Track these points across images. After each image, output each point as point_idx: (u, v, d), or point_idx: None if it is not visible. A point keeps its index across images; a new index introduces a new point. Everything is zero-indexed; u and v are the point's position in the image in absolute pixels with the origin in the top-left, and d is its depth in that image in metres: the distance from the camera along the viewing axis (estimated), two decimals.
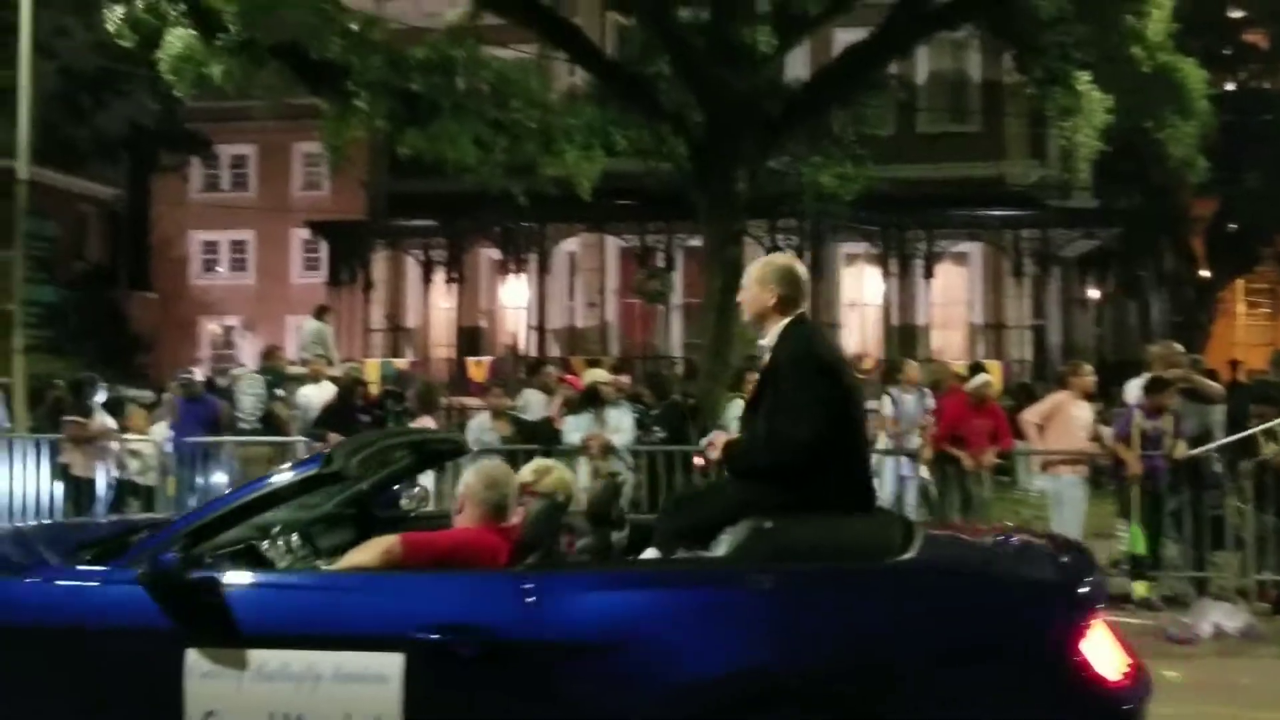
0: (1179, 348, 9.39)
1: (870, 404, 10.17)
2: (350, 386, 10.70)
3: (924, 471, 9.33)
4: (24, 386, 13.98)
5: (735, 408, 9.54)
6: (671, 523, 3.93)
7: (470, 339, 24.61)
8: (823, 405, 3.71)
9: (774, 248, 21.97)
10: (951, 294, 23.41)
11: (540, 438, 9.27)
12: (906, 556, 3.55)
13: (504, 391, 10.40)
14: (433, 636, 3.35)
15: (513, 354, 23.22)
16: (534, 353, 22.08)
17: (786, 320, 3.98)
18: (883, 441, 9.62)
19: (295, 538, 4.21)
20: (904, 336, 22.07)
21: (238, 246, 31.28)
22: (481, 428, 9.50)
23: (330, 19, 12.64)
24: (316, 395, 11.06)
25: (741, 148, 15.50)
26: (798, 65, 20.40)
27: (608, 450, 8.99)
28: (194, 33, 12.12)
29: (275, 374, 13.02)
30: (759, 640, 3.33)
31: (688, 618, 3.37)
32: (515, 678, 3.38)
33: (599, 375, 9.70)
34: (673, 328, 23.34)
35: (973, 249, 23.16)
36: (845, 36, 17.37)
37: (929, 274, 22.35)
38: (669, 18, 14.54)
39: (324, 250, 25.99)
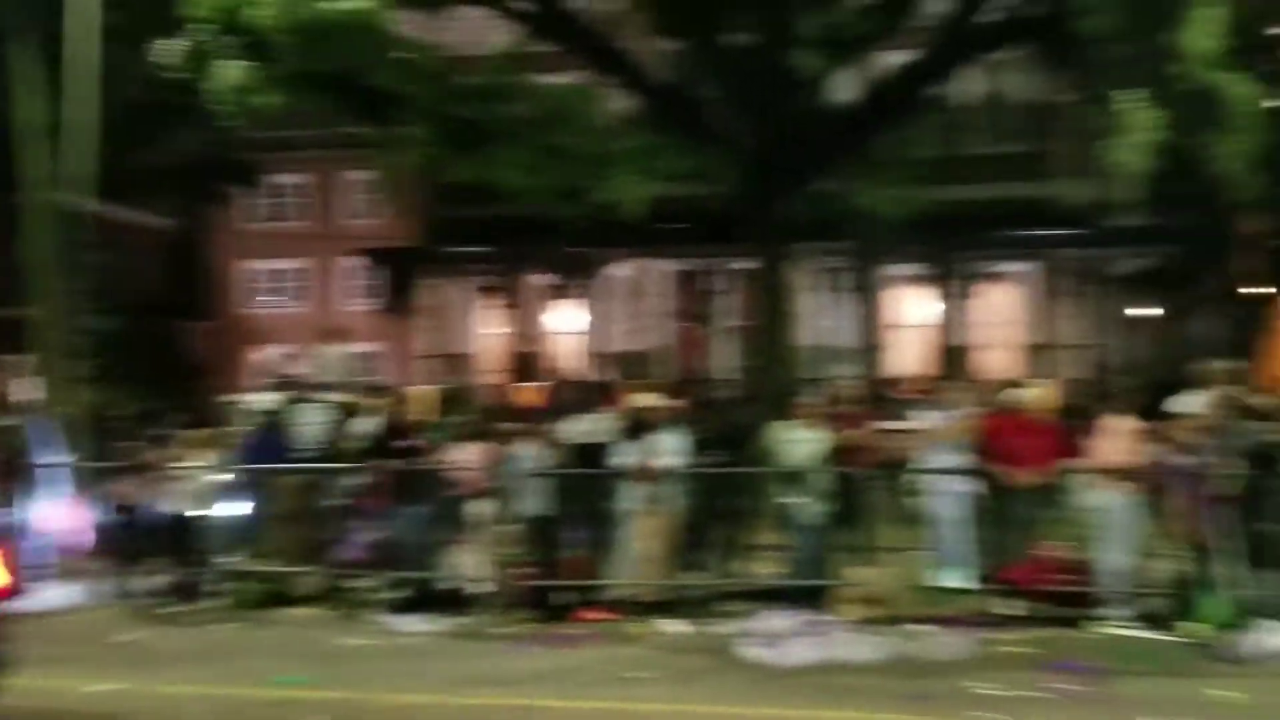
0: (1229, 365, 9.34)
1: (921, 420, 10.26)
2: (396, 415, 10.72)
3: (975, 486, 9.34)
4: (81, 415, 14.23)
5: (783, 431, 9.60)
6: None
7: (523, 364, 24.86)
8: None
9: (821, 270, 22.07)
10: (1001, 313, 23.29)
11: (591, 462, 9.39)
12: None
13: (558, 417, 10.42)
14: None
15: (566, 380, 23.43)
16: (589, 378, 22.27)
17: None
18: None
19: None
20: (952, 356, 21.97)
21: (291, 274, 31.83)
22: (528, 455, 9.57)
23: (383, 48, 12.92)
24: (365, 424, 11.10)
25: (790, 171, 15.62)
26: (845, 87, 20.52)
27: (657, 475, 9.09)
28: (247, 63, 12.42)
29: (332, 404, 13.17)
30: None
31: None
32: None
33: (647, 399, 9.81)
34: (726, 350, 23.42)
35: (1022, 269, 23.04)
36: (892, 58, 17.44)
37: (976, 294, 22.27)
38: (717, 42, 14.73)
39: (377, 276, 26.36)
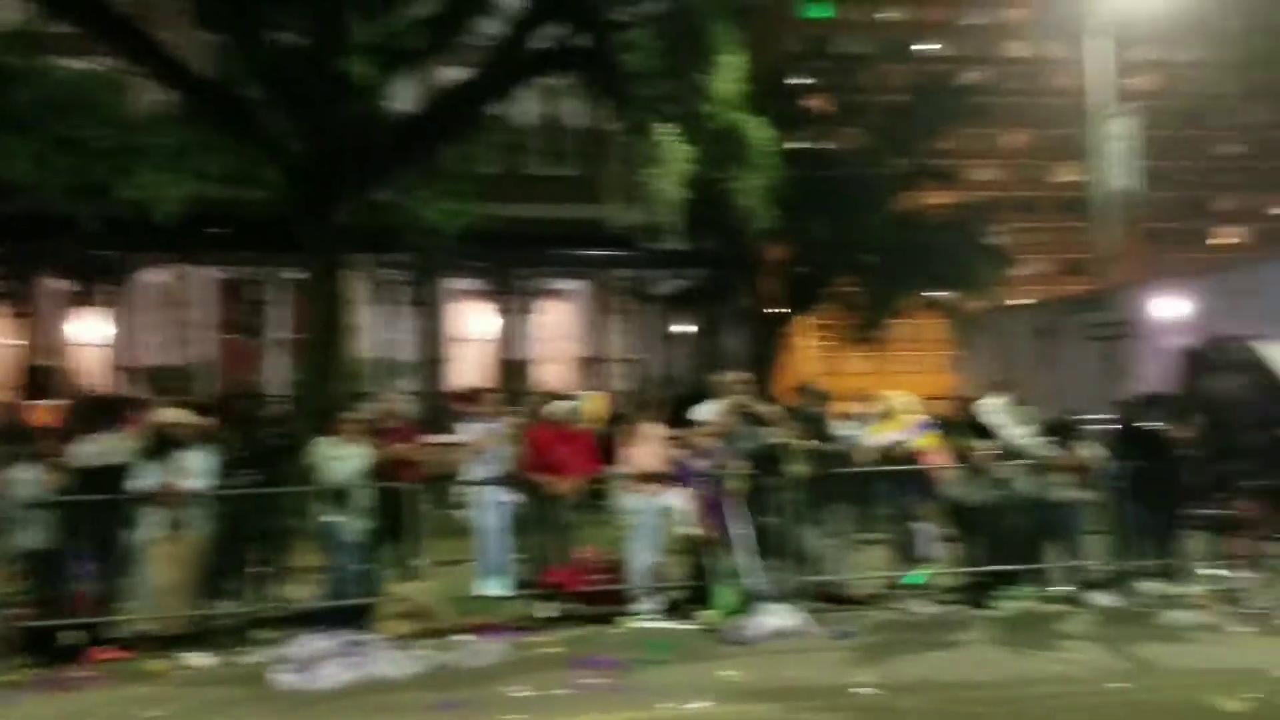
0: (740, 376, 10.33)
1: (465, 433, 10.36)
2: None
3: (516, 496, 9.59)
4: None
5: (326, 448, 9.29)
6: None
7: (38, 380, 22.12)
8: None
9: (380, 281, 21.78)
10: (557, 329, 24.26)
11: (105, 486, 8.49)
12: None
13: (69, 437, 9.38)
14: None
15: (90, 395, 21.15)
16: (114, 393, 20.25)
17: None
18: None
19: None
20: (511, 370, 22.56)
21: None
22: (26, 479, 8.48)
23: None
24: None
25: (343, 178, 15.25)
26: (405, 98, 20.39)
27: (180, 497, 8.43)
28: None
29: None
30: None
31: None
32: None
33: (172, 415, 9.04)
34: (277, 364, 22.33)
35: (576, 286, 24.17)
36: (451, 74, 17.60)
37: (534, 310, 23.05)
38: (264, 40, 14.03)
39: None
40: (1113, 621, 8.67)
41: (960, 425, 10.04)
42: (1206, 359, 5.25)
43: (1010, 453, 9.66)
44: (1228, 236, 78.78)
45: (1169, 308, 32.74)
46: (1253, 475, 4.90)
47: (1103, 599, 9.29)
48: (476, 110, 16.69)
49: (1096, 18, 19.28)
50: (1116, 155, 20.54)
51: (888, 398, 10.77)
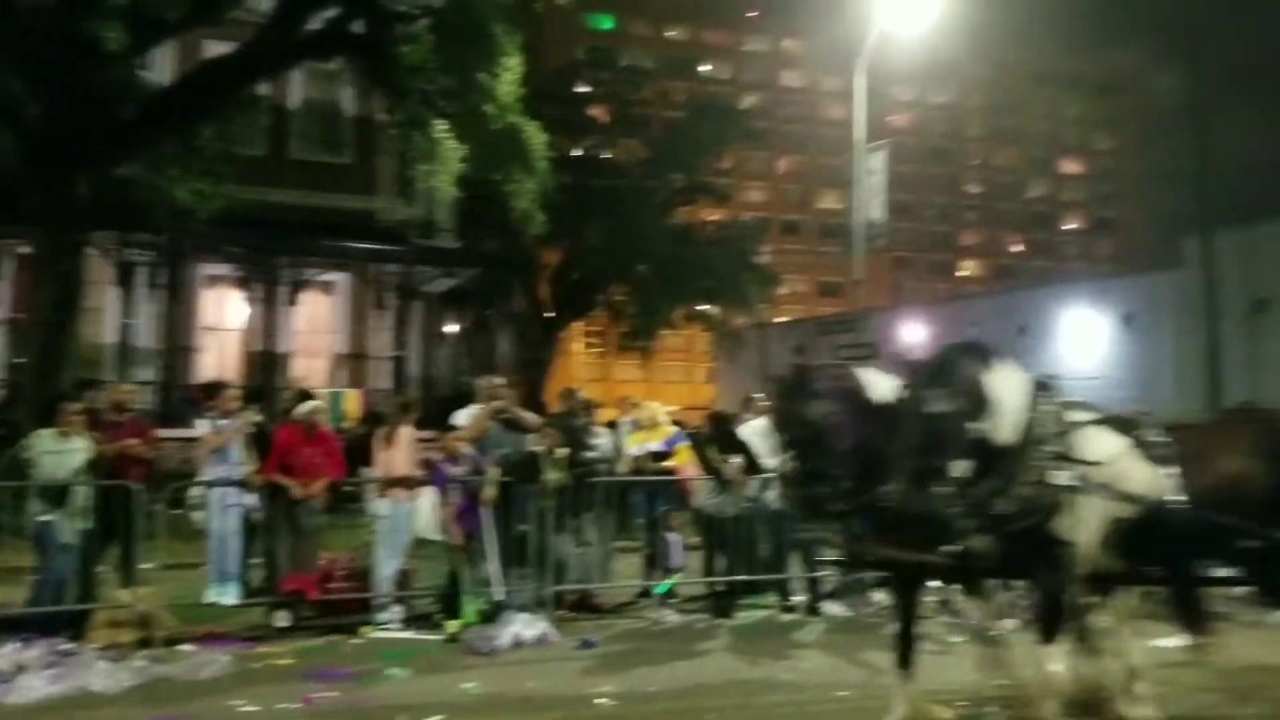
0: (500, 380, 10.23)
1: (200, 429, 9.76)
2: None
3: (251, 499, 9.11)
4: None
5: (46, 440, 8.54)
6: None
7: None
8: None
9: (124, 262, 20.31)
10: (317, 323, 23.35)
11: None
12: None
13: None
14: None
15: None
16: None
17: None
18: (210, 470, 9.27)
19: None
20: (266, 363, 21.53)
21: None
22: None
23: None
24: None
25: (84, 149, 14.20)
26: (168, 71, 19.10)
27: None
28: None
29: None
30: None
31: None
32: None
33: None
34: None
35: (340, 279, 23.34)
36: (220, 49, 16.63)
37: (294, 301, 22.08)
38: None
39: None
40: (844, 630, 9.08)
41: (710, 438, 10.29)
42: (799, 386, 5.64)
43: (757, 468, 9.96)
44: (969, 269, 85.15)
45: (911, 331, 35.04)
46: (841, 499, 5.27)
47: (837, 609, 9.72)
48: (239, 88, 15.87)
49: (862, 54, 20.34)
50: (871, 187, 21.77)
51: (649, 407, 10.93)
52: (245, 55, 15.23)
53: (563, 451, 9.55)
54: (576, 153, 32.17)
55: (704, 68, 78.03)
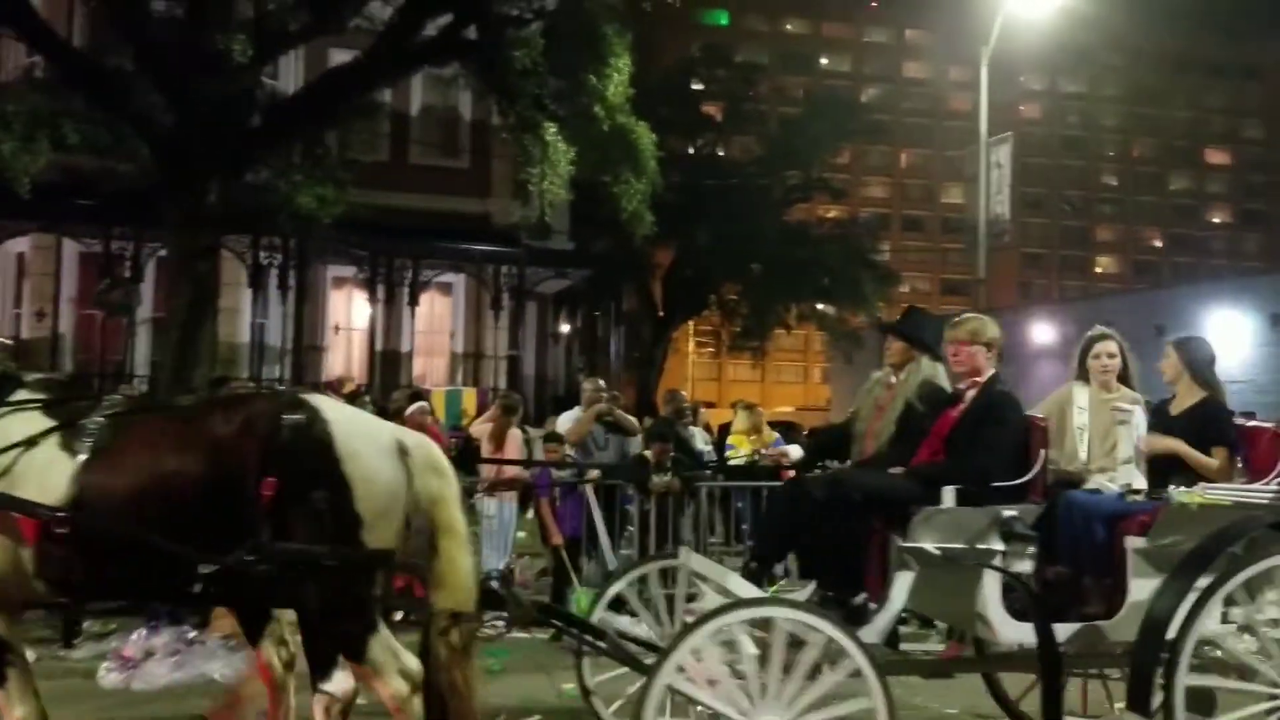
0: (602, 384, 10.33)
1: None
2: None
3: None
4: None
5: None
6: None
7: None
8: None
9: (256, 265, 21.16)
10: (435, 322, 23.95)
11: None
12: None
13: None
14: None
15: None
16: None
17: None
18: None
19: None
20: (388, 362, 22.17)
21: None
22: None
23: None
24: None
25: (215, 157, 14.76)
26: (292, 79, 19.88)
27: None
28: None
29: None
30: None
31: None
32: None
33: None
34: (139, 344, 21.50)
35: (457, 280, 23.88)
36: (344, 57, 17.21)
37: (414, 301, 22.69)
38: (136, 10, 13.52)
39: None
40: None
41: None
42: None
43: None
44: (1105, 266, 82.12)
45: (1040, 331, 33.98)
46: None
47: None
48: (360, 95, 16.33)
49: (988, 43, 19.84)
50: (995, 181, 21.22)
51: (753, 413, 10.90)
52: (364, 63, 15.65)
53: (666, 454, 9.57)
54: (691, 151, 32.16)
55: (823, 61, 77.11)
